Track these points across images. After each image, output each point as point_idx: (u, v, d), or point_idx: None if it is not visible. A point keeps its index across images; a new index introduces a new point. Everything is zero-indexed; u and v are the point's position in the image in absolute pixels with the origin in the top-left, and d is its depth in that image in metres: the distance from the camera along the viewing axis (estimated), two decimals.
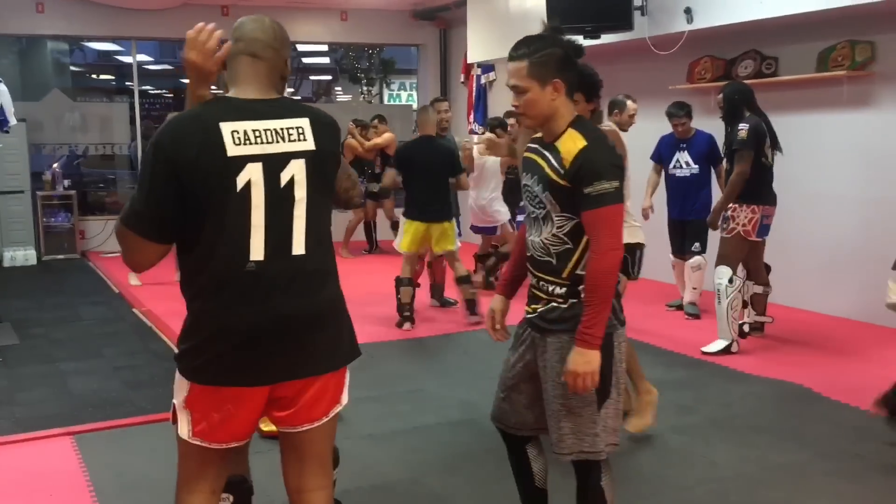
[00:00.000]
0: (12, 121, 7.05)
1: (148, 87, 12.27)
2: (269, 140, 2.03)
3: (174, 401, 2.16)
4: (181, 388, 2.11)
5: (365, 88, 17.67)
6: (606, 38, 7.18)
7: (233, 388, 2.06)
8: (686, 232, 6.40)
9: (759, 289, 5.65)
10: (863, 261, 6.19)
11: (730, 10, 6.33)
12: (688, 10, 6.58)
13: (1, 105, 6.81)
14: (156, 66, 15.61)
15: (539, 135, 2.48)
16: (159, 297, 7.39)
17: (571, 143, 2.34)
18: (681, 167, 6.42)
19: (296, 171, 2.04)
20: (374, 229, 10.22)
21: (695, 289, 6.42)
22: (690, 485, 3.45)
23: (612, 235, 2.31)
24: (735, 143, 5.23)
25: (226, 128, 2.00)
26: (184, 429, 2.12)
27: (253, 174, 2.00)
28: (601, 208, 2.29)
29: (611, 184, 2.28)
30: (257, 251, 2.01)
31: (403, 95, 18.33)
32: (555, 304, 2.42)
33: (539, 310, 2.46)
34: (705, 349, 5.34)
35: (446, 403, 4.50)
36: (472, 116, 10.69)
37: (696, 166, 6.37)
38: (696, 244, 6.33)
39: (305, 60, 16.59)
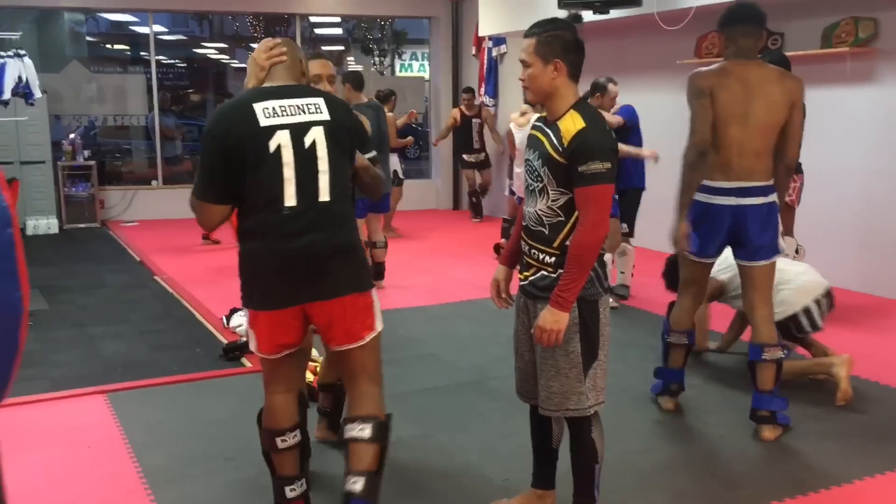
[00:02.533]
0: (38, 94, 7.26)
1: (161, 58, 12.39)
2: (293, 113, 2.58)
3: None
4: (246, 313, 2.71)
5: (377, 59, 17.74)
6: (615, 14, 7.30)
7: (273, 311, 2.60)
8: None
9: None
10: (865, 233, 6.36)
11: None
12: None
13: (27, 79, 7.01)
14: (170, 36, 15.71)
15: (544, 114, 2.68)
16: (179, 266, 7.66)
17: (571, 124, 2.52)
18: None
19: (316, 136, 2.58)
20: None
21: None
22: (691, 437, 3.68)
23: (600, 212, 2.49)
24: None
25: (258, 106, 2.56)
26: (252, 345, 2.74)
27: (282, 139, 2.54)
28: (592, 186, 2.48)
29: (603, 164, 2.47)
30: (290, 199, 2.54)
31: (415, 65, 18.41)
32: (545, 273, 2.61)
33: (530, 277, 2.67)
34: None
35: (456, 367, 4.73)
36: (483, 89, 10.82)
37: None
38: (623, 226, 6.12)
39: (317, 31, 16.69)
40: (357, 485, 2.60)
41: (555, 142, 2.54)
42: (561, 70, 2.56)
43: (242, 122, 2.54)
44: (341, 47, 20.35)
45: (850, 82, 6.38)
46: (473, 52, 11.16)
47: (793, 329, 4.24)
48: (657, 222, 6.12)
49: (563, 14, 7.55)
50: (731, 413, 3.96)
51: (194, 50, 17.14)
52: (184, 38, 16.59)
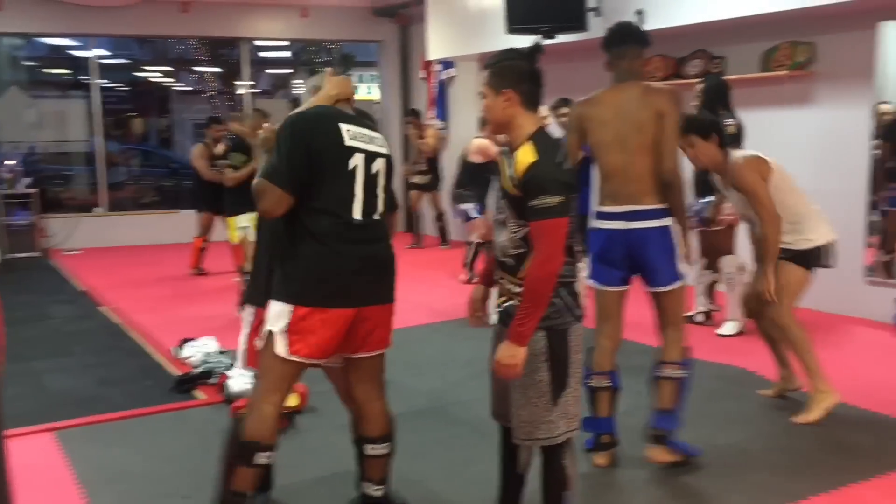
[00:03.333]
0: None
1: (104, 82, 12.17)
2: (368, 141, 2.90)
3: (269, 328, 2.82)
4: (282, 316, 2.78)
5: None
6: (562, 38, 7.42)
7: (335, 309, 2.77)
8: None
9: (716, 276, 5.96)
10: None
11: (680, 11, 6.62)
12: (639, 12, 6.84)
13: None
14: (112, 59, 15.45)
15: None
16: (126, 295, 7.50)
17: (524, 156, 2.52)
18: None
19: (380, 166, 2.92)
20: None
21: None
22: (642, 463, 3.71)
23: (552, 246, 2.49)
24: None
25: (342, 126, 2.85)
26: (281, 349, 2.78)
27: (358, 161, 2.85)
28: (544, 221, 2.47)
29: (553, 199, 2.46)
30: (357, 213, 2.84)
31: (363, 88, 18.40)
32: (514, 303, 2.61)
33: (504, 305, 2.68)
34: (721, 332, 5.78)
35: (415, 393, 4.70)
36: (434, 112, 10.88)
37: None
38: None
39: (262, 54, 16.59)
40: (380, 491, 3.05)
41: (511, 173, 2.56)
42: (513, 100, 2.57)
43: (329, 134, 2.81)
44: (288, 70, 20.27)
45: (788, 104, 6.58)
46: (422, 75, 11.22)
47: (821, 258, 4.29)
48: None
49: (516, 39, 7.66)
50: (686, 431, 4.01)
51: (137, 73, 16.87)
52: (126, 61, 16.34)
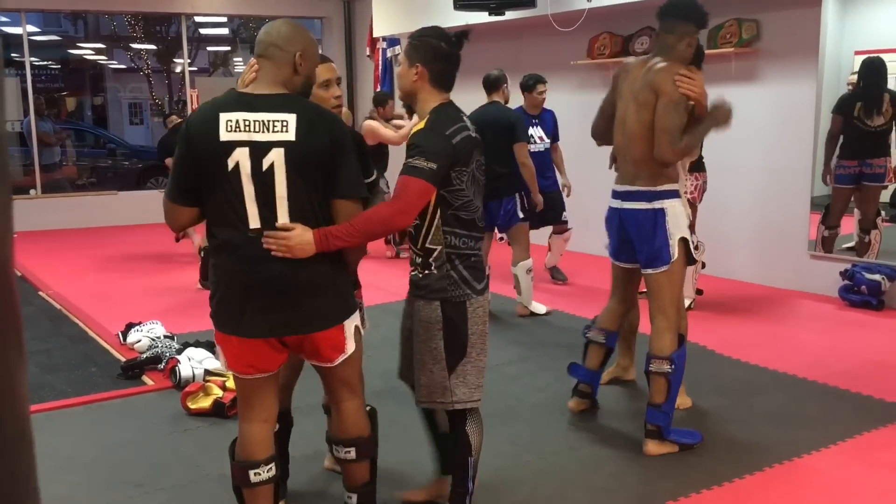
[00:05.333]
0: None
1: (35, 59, 11.74)
2: (257, 129, 2.37)
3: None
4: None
5: None
6: (511, 15, 7.38)
7: (232, 337, 2.48)
8: (548, 204, 6.20)
9: None
10: (759, 227, 6.65)
11: None
12: None
13: None
14: (43, 36, 14.90)
15: None
16: (65, 279, 7.26)
17: (418, 127, 2.65)
18: (535, 142, 6.20)
19: (275, 158, 2.36)
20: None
21: (560, 255, 6.85)
22: (602, 438, 3.73)
23: (407, 203, 2.54)
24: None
25: (223, 117, 2.38)
26: (222, 360, 2.61)
27: (241, 157, 2.36)
28: (410, 177, 2.54)
29: (426, 163, 2.52)
30: (254, 219, 2.39)
31: None
32: (416, 273, 2.73)
33: (411, 275, 2.78)
34: None
35: (369, 374, 4.59)
36: (378, 88, 10.74)
37: (547, 141, 6.34)
38: (565, 214, 6.52)
39: (202, 31, 16.18)
40: (352, 500, 2.78)
41: (411, 143, 2.64)
42: (422, 75, 2.65)
43: (205, 134, 2.38)
44: (227, 48, 19.82)
45: (735, 82, 6.65)
46: (368, 52, 11.07)
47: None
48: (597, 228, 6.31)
49: (465, 16, 7.59)
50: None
51: (70, 51, 16.32)
52: (58, 38, 15.78)
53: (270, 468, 2.62)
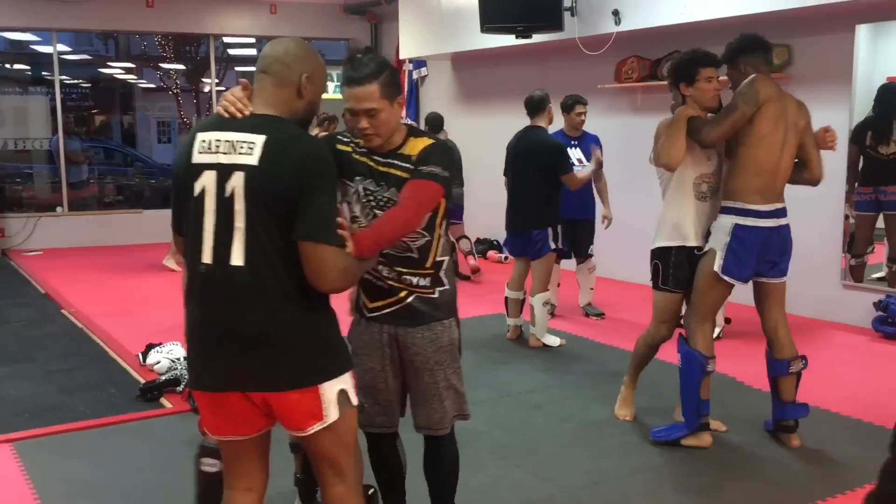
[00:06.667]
0: None
1: (65, 78, 11.85)
2: (225, 151, 2.08)
3: None
4: None
5: None
6: (538, 38, 7.34)
7: (195, 391, 2.22)
8: (580, 232, 6.13)
9: None
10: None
11: (655, 13, 6.57)
12: (615, 13, 6.80)
13: None
14: (74, 55, 15.09)
15: (363, 149, 2.52)
16: (88, 298, 7.26)
17: (418, 144, 2.50)
18: (573, 164, 5.77)
19: (236, 183, 2.05)
20: None
21: (592, 289, 6.44)
22: (626, 473, 3.62)
23: (422, 205, 2.41)
24: None
25: (199, 137, 2.13)
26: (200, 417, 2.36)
27: (207, 182, 2.08)
28: (427, 181, 2.41)
29: (442, 171, 2.44)
30: (207, 255, 2.08)
31: (330, 86, 18.20)
32: (420, 296, 2.55)
33: (396, 306, 2.55)
34: None
35: None
36: (404, 112, 10.74)
37: (587, 164, 5.84)
38: (591, 246, 6.24)
39: (231, 52, 16.33)
40: None
41: (406, 165, 2.48)
42: (403, 104, 2.58)
43: (181, 155, 2.14)
44: (254, 68, 19.97)
45: None
46: None
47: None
48: (629, 253, 6.14)
49: (491, 38, 7.54)
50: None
51: (100, 70, 16.52)
52: (88, 57, 15.99)
53: None
